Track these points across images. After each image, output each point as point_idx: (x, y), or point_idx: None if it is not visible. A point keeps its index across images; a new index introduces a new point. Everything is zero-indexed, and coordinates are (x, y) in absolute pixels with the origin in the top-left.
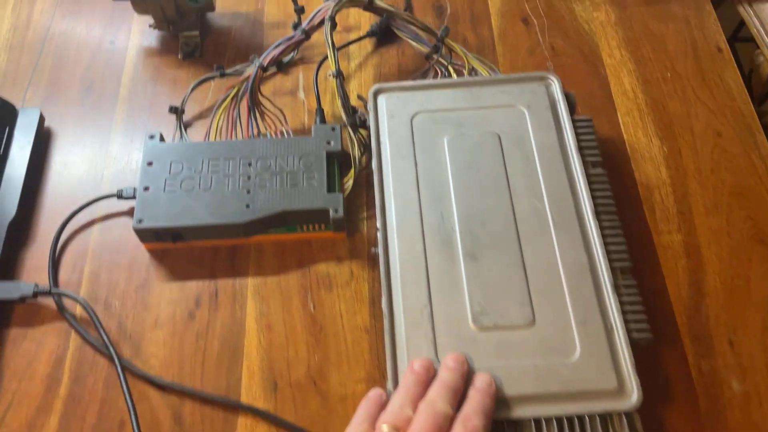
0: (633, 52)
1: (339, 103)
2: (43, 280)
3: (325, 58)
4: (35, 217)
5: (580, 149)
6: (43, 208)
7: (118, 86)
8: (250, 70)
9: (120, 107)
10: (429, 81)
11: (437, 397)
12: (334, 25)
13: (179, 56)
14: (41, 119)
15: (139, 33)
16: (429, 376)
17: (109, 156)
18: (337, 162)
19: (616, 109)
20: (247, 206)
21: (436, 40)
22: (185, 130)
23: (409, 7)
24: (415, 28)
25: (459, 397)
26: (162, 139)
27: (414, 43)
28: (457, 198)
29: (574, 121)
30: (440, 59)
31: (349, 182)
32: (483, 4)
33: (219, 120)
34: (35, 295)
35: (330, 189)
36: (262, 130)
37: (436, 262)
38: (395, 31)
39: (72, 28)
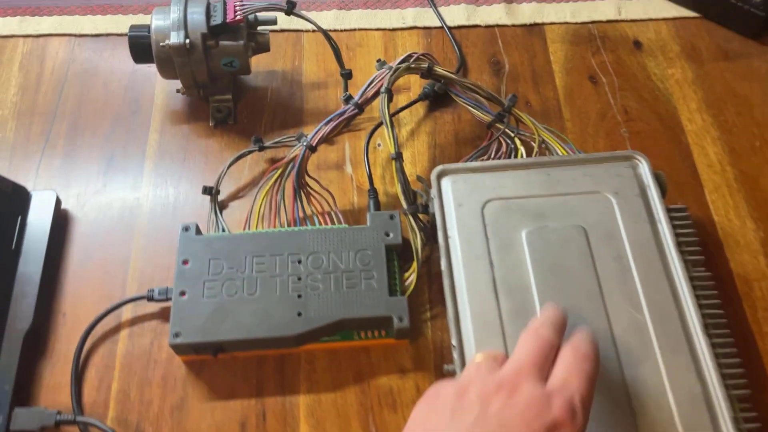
0: (715, 116)
1: (398, 188)
2: (65, 401)
3: (377, 126)
4: (54, 324)
5: (678, 245)
6: (63, 312)
7: (143, 159)
8: (297, 150)
9: (146, 185)
10: (499, 162)
11: (541, 326)
12: (390, 98)
13: (210, 123)
14: (57, 202)
15: (164, 96)
16: (560, 334)
17: (136, 244)
18: (397, 255)
19: (702, 184)
20: (299, 314)
21: (501, 108)
22: (221, 213)
23: (463, 65)
24: (477, 95)
25: (563, 331)
26: (198, 231)
27: (475, 111)
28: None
29: (668, 210)
30: (507, 130)
31: (411, 278)
32: (544, 59)
33: (261, 206)
34: (58, 424)
35: (392, 291)
36: (308, 212)
37: None
38: (453, 97)
39: (89, 90)
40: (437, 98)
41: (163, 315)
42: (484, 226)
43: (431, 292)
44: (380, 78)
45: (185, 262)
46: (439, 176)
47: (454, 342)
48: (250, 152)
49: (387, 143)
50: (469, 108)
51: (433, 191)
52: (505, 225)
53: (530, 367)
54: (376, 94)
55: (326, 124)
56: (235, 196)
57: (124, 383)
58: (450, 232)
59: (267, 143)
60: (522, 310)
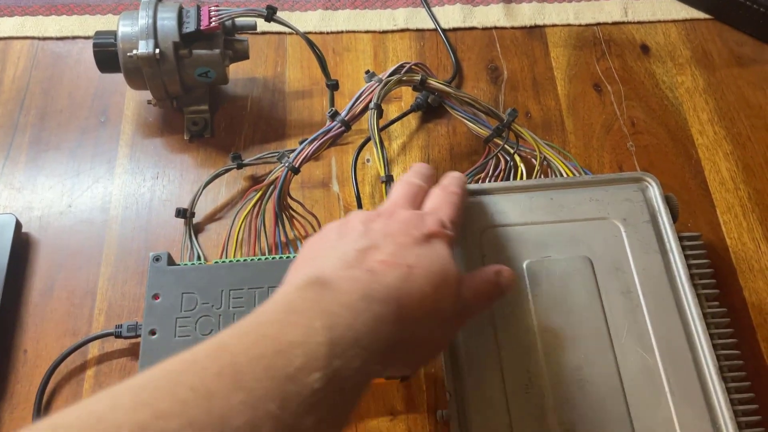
0: (728, 128)
1: None
2: None
3: (366, 141)
4: (14, 362)
5: (691, 277)
6: (24, 349)
7: (111, 176)
8: (279, 172)
9: (115, 206)
10: (499, 184)
11: (410, 175)
12: (380, 114)
13: (185, 137)
14: (18, 226)
15: (135, 106)
16: (429, 182)
17: (105, 273)
18: None
19: (714, 204)
20: None
21: (500, 123)
22: (197, 237)
23: (458, 72)
24: (474, 109)
25: (432, 180)
26: (171, 260)
27: (471, 125)
28: (546, 349)
29: (680, 238)
30: (506, 146)
31: None
32: (546, 65)
33: (239, 231)
34: None
35: None
36: (290, 236)
37: None
38: (449, 110)
39: (53, 99)
40: (431, 109)
41: (134, 351)
42: (483, 256)
43: None
44: (369, 92)
45: (155, 296)
46: None
47: (449, 388)
48: (227, 170)
49: (376, 161)
50: (466, 122)
51: None
52: (504, 255)
53: (403, 201)
54: (365, 109)
55: (310, 143)
56: (212, 218)
57: None
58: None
59: (246, 160)
60: (523, 350)
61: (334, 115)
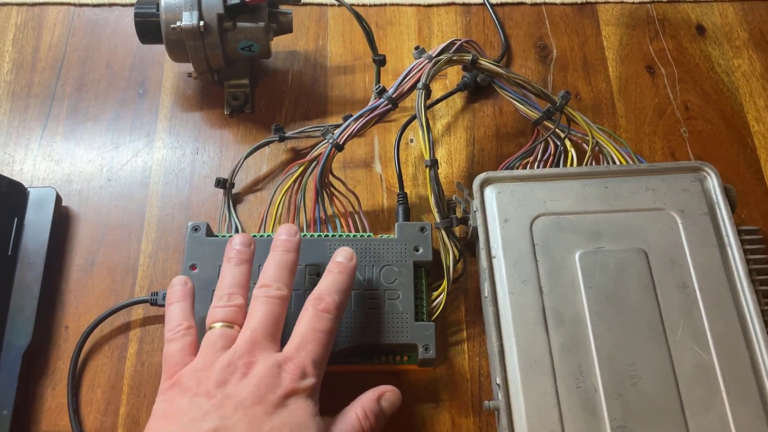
0: None
1: (431, 200)
2: (69, 424)
3: (410, 121)
4: (55, 339)
5: (749, 273)
6: (65, 325)
7: (151, 150)
8: (322, 148)
9: (154, 180)
10: (551, 171)
11: (269, 279)
12: (428, 95)
13: (225, 112)
14: (58, 200)
15: (174, 78)
16: (251, 252)
17: (146, 247)
18: (425, 272)
19: None
20: None
21: (552, 105)
22: (235, 209)
23: (507, 51)
24: (525, 91)
25: (294, 274)
26: (209, 231)
27: (521, 107)
28: (598, 343)
29: (738, 232)
30: (558, 130)
31: (439, 299)
32: (597, 45)
33: (279, 205)
34: None
35: (418, 315)
36: (329, 212)
37: None
38: (498, 90)
39: (90, 69)
40: (477, 88)
41: None
42: (533, 245)
43: (467, 309)
44: (418, 69)
45: (193, 267)
46: (483, 185)
47: (498, 380)
48: (269, 142)
49: (421, 143)
50: (515, 103)
51: (475, 203)
52: (556, 245)
53: (263, 334)
54: (413, 87)
55: (355, 120)
56: (251, 189)
57: (132, 407)
58: (494, 251)
59: (289, 133)
60: (574, 345)
61: (381, 91)
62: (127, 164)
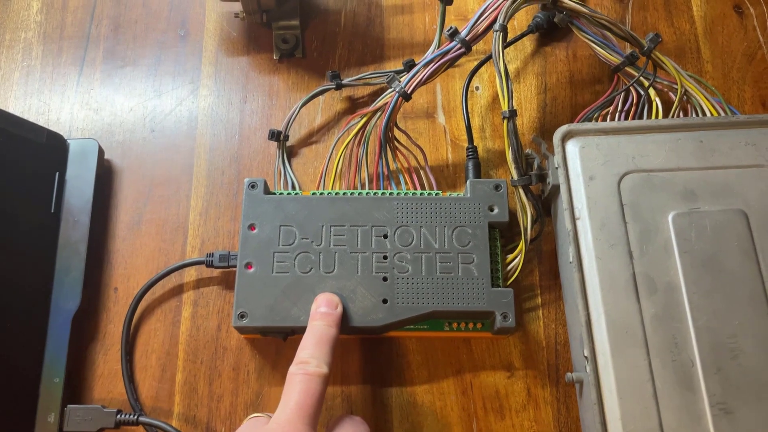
0: None
1: (509, 155)
2: (124, 391)
3: (479, 65)
4: (105, 301)
5: None
6: (114, 287)
7: (196, 98)
8: (387, 97)
9: (201, 132)
10: (640, 123)
11: (307, 355)
12: (506, 37)
13: (275, 56)
14: (100, 153)
15: (217, 18)
16: (338, 316)
17: (195, 203)
18: (500, 233)
19: None
20: (384, 301)
21: (639, 50)
22: (290, 163)
23: None
24: (608, 33)
25: (334, 351)
26: (267, 189)
27: (601, 50)
28: (695, 313)
29: None
30: (642, 78)
31: (515, 262)
32: None
33: (339, 161)
34: (118, 425)
35: (494, 280)
36: (392, 167)
37: (672, 415)
38: (577, 32)
39: (126, 8)
40: (549, 30)
41: (225, 281)
42: (622, 206)
43: (541, 273)
44: (494, 8)
45: (251, 227)
46: (564, 138)
47: (585, 352)
48: (325, 90)
49: (499, 92)
50: (595, 47)
51: (557, 158)
52: (647, 205)
53: (298, 419)
54: (488, 29)
55: (425, 66)
56: (305, 142)
57: (189, 374)
58: (579, 212)
59: (346, 80)
60: (668, 315)
61: (453, 33)
62: (171, 114)
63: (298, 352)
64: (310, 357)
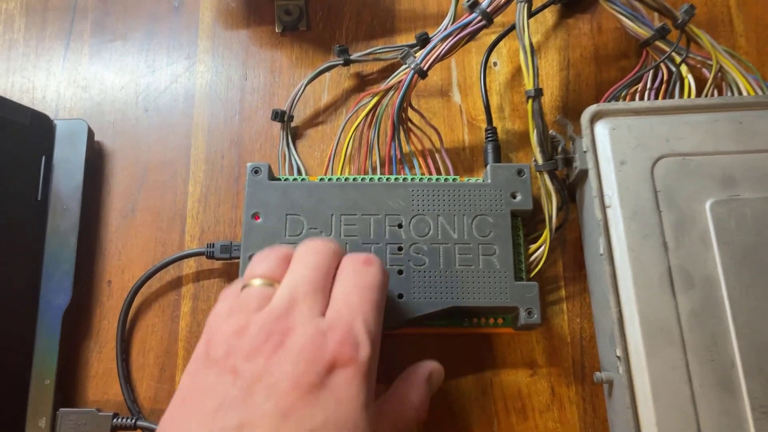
0: None
1: (533, 138)
2: (120, 393)
3: (497, 40)
4: (98, 296)
5: None
6: (108, 280)
7: (192, 76)
8: (401, 74)
9: (198, 111)
10: (674, 102)
11: (316, 238)
12: (530, 8)
13: (277, 29)
14: (90, 135)
15: None
16: (336, 251)
17: (193, 189)
18: (522, 222)
19: None
20: (400, 297)
21: (673, 22)
22: (294, 145)
23: None
24: (639, 4)
25: (340, 254)
26: (271, 174)
27: (630, 23)
28: (735, 309)
29: None
30: (675, 53)
31: (539, 252)
32: None
33: (348, 144)
34: (114, 429)
35: (518, 273)
36: (405, 149)
37: (711, 419)
38: (603, 3)
39: None
40: (571, 1)
41: (232, 276)
42: (655, 193)
43: (565, 264)
44: None
45: (255, 216)
46: (593, 119)
47: (617, 352)
48: (333, 66)
49: (523, 69)
50: (623, 19)
51: (585, 141)
52: (683, 192)
53: (307, 288)
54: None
55: (443, 40)
56: (311, 122)
57: None
58: (609, 200)
59: (354, 55)
60: (706, 312)
61: (473, 5)
62: (165, 91)
63: (304, 240)
64: (315, 239)
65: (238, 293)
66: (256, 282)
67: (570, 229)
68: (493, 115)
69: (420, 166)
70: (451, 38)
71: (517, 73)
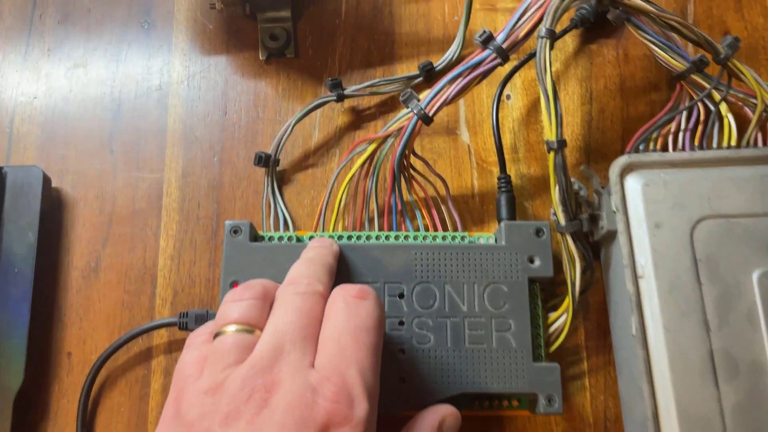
0: None
1: (555, 195)
2: None
3: (512, 72)
4: (56, 371)
5: None
6: (67, 351)
7: (164, 111)
8: (403, 120)
9: (171, 147)
10: (718, 153)
11: (297, 275)
12: (552, 44)
13: (261, 57)
14: (46, 182)
15: (189, 7)
16: (332, 253)
17: (165, 245)
18: (539, 288)
19: None
20: (402, 380)
21: (714, 57)
22: (281, 193)
23: None
24: (676, 35)
25: (332, 275)
26: (253, 233)
27: (663, 54)
28: None
29: None
30: (715, 89)
31: (560, 322)
32: None
33: (342, 196)
34: None
35: (536, 350)
36: (405, 197)
37: None
38: (635, 32)
39: None
40: (594, 25)
41: None
42: (695, 262)
43: (587, 331)
44: (537, 5)
45: (235, 284)
46: (624, 173)
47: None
48: (324, 102)
49: (544, 118)
50: (656, 50)
51: (615, 199)
52: (728, 261)
53: (290, 343)
54: (530, 33)
55: (451, 82)
56: (300, 165)
57: None
58: (642, 271)
59: (349, 90)
60: (753, 404)
61: (487, 39)
62: (134, 129)
63: (288, 276)
64: (300, 275)
65: (209, 340)
66: (231, 328)
67: (593, 292)
68: (507, 156)
69: (423, 217)
70: (460, 79)
71: (533, 107)
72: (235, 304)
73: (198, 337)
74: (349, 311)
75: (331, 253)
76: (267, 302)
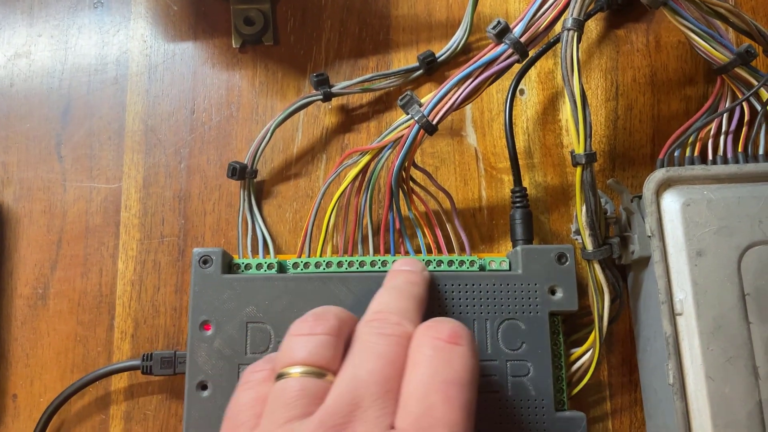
0: None
1: (582, 217)
2: None
3: (526, 68)
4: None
5: None
6: (12, 394)
7: (120, 106)
8: (403, 128)
9: (129, 153)
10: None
11: (384, 307)
12: (580, 37)
13: (234, 44)
14: None
15: None
16: (424, 280)
17: (125, 270)
18: (560, 321)
19: None
20: None
21: (765, 50)
22: (260, 209)
23: None
24: (721, 22)
25: (423, 312)
26: (227, 263)
27: (704, 43)
28: None
29: None
30: (765, 86)
31: (585, 359)
32: None
33: (330, 216)
34: None
35: (558, 396)
36: (404, 213)
37: None
38: (672, 19)
39: None
40: (624, 7)
41: (175, 391)
42: (743, 297)
43: (611, 367)
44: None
45: (205, 325)
46: (660, 190)
47: None
48: (309, 103)
49: (571, 128)
50: (696, 38)
51: (650, 221)
52: None
53: (370, 395)
54: (553, 23)
55: (458, 83)
56: (281, 174)
57: None
58: (681, 307)
59: (336, 87)
60: None
61: (502, 32)
62: (86, 132)
63: (371, 307)
64: (389, 311)
65: (269, 378)
66: (297, 370)
67: (619, 321)
68: (521, 160)
69: (424, 236)
70: (470, 80)
71: (549, 104)
72: (303, 340)
73: (256, 374)
74: (439, 360)
75: (423, 281)
76: (342, 339)
